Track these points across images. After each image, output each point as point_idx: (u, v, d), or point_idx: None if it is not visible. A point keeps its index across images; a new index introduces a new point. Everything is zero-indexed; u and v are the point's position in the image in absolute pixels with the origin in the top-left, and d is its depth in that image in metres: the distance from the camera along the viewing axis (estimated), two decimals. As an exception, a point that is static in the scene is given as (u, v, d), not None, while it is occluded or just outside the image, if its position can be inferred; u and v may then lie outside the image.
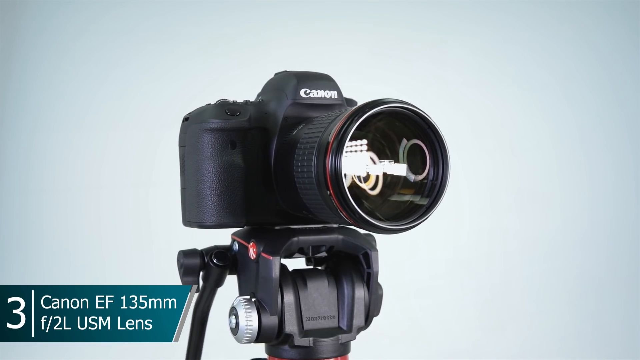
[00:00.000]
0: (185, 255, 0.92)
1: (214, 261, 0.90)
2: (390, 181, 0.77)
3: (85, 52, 2.30)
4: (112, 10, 2.29)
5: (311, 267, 0.92)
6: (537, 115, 2.17)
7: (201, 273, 0.93)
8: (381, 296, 0.90)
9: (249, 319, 0.82)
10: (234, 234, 0.92)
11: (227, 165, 0.86)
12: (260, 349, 0.93)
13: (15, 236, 2.33)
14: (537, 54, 2.18)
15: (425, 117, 0.76)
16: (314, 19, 2.21)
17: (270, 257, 0.83)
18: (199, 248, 0.93)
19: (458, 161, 2.14)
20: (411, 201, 0.77)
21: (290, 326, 0.84)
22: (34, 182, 2.31)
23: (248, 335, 0.83)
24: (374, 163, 0.77)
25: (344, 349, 0.86)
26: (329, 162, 0.72)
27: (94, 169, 2.27)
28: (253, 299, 0.84)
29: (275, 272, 0.82)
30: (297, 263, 0.93)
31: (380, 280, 0.91)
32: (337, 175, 0.72)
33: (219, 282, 0.95)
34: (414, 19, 2.19)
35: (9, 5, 2.34)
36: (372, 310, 0.87)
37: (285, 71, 0.90)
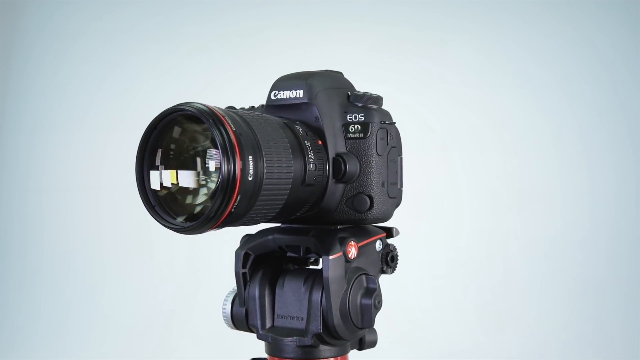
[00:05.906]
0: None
1: None
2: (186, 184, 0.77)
3: (85, 52, 2.30)
4: (112, 10, 2.29)
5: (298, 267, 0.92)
6: (537, 114, 2.17)
7: None
8: (370, 307, 0.85)
9: (225, 307, 0.90)
10: None
11: None
12: (260, 350, 0.93)
13: (15, 236, 2.33)
14: (537, 53, 2.18)
15: (201, 117, 0.72)
16: (314, 19, 2.21)
17: (235, 253, 0.87)
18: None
19: (458, 161, 2.16)
20: (209, 205, 0.74)
21: (252, 320, 0.87)
22: (34, 182, 2.31)
23: (225, 320, 0.90)
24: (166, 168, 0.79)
25: (307, 352, 0.84)
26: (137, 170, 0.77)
27: (94, 169, 2.27)
28: None
29: (238, 266, 0.87)
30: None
31: (380, 280, 0.90)
32: (138, 180, 0.78)
33: None
34: (414, 19, 2.19)
35: (9, 5, 2.34)
36: (330, 318, 0.82)
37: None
